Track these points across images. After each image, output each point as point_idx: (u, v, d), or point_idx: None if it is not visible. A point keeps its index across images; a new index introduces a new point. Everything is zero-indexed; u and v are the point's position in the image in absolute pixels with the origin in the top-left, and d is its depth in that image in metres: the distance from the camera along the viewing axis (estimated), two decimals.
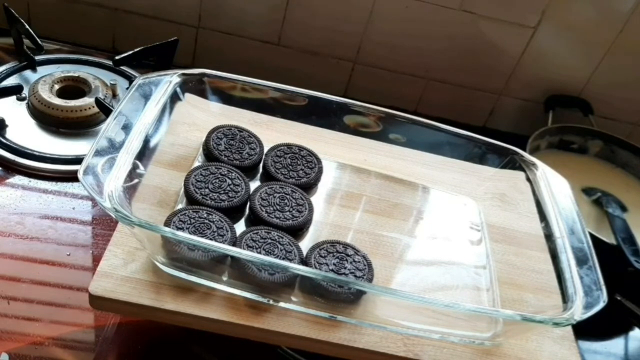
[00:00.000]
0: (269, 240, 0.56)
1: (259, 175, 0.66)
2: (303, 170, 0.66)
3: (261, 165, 0.66)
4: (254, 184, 0.64)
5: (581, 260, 0.58)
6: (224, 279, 0.54)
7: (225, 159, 0.64)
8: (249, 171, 0.65)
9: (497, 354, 0.56)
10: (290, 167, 0.65)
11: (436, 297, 0.59)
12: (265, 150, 0.67)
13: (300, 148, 0.68)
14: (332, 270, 0.56)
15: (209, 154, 0.65)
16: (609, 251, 0.75)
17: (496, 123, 1.03)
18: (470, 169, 0.72)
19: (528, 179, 0.69)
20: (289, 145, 0.67)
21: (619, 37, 0.92)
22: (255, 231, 0.57)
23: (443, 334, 0.55)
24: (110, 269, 0.53)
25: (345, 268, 0.56)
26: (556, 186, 0.66)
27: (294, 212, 0.60)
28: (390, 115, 0.71)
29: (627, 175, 0.92)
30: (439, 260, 0.63)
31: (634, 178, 0.92)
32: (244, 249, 0.55)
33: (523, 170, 0.69)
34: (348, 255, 0.58)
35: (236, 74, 0.69)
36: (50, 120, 0.78)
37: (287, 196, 0.61)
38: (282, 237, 0.57)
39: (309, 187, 0.65)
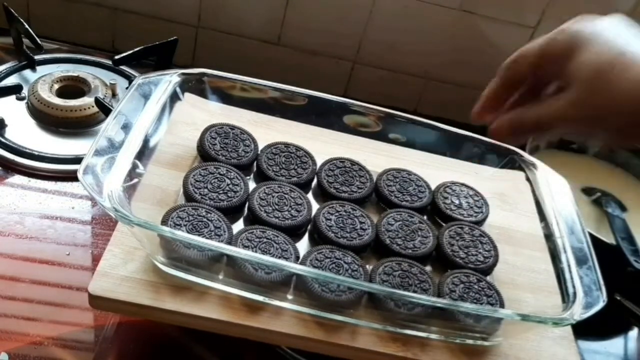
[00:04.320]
0: (264, 240, 0.56)
1: (253, 173, 0.66)
2: (295, 170, 0.65)
3: (255, 162, 0.66)
4: (250, 182, 0.64)
5: (581, 260, 0.58)
6: (223, 278, 0.54)
7: (223, 158, 0.64)
8: (247, 169, 0.65)
9: (497, 354, 0.56)
10: (283, 165, 0.65)
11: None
12: (261, 147, 0.67)
13: (298, 148, 0.67)
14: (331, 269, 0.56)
15: (206, 155, 0.64)
16: (609, 251, 0.74)
17: None
18: (470, 169, 0.72)
19: (528, 179, 0.69)
20: (286, 144, 0.67)
21: None
22: (250, 231, 0.57)
23: (443, 334, 0.55)
24: (109, 268, 0.53)
25: (342, 267, 0.56)
26: (556, 186, 0.66)
27: (292, 211, 0.60)
28: (390, 115, 0.70)
29: (627, 175, 0.92)
30: None
31: (634, 178, 0.92)
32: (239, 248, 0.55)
33: (523, 170, 0.69)
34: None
35: (236, 73, 0.69)
36: (49, 120, 0.78)
37: (286, 195, 0.61)
38: (277, 236, 0.57)
39: (303, 186, 0.65)
